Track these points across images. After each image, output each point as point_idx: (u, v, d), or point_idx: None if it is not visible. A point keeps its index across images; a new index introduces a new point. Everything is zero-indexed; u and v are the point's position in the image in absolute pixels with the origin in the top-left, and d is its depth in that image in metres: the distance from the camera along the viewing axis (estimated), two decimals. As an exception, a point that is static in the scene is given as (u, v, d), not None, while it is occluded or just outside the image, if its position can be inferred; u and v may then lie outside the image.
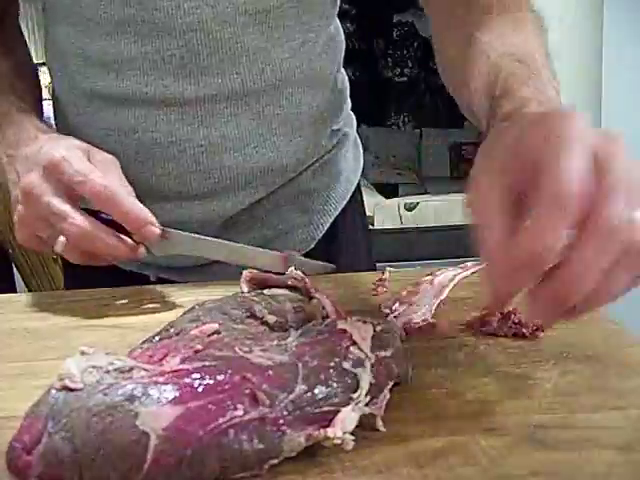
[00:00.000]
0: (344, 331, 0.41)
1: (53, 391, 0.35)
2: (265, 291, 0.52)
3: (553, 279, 0.37)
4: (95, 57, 0.70)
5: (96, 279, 0.73)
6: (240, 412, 0.35)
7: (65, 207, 0.58)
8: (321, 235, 0.81)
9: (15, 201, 0.62)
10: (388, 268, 0.68)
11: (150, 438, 0.33)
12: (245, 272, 0.57)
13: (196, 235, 0.66)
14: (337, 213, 0.83)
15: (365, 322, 0.43)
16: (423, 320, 0.55)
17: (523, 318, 0.53)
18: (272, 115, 0.72)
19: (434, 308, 0.58)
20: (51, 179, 0.59)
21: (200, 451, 0.33)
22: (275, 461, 0.35)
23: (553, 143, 0.39)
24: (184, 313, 0.48)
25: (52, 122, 0.81)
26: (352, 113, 0.87)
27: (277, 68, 0.71)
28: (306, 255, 0.79)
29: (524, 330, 0.52)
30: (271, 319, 0.47)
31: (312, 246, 0.81)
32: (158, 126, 0.70)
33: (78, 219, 0.58)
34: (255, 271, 0.57)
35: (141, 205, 0.59)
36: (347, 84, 0.84)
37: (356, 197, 0.87)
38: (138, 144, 0.71)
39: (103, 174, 0.60)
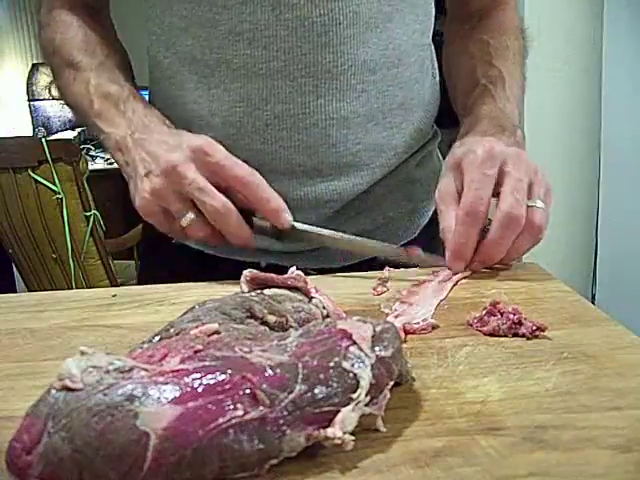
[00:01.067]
0: (344, 331, 0.41)
1: (53, 391, 0.35)
2: (265, 291, 0.52)
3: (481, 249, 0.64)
4: (227, 26, 0.70)
5: (190, 267, 0.77)
6: (240, 412, 0.35)
7: (207, 185, 0.62)
8: (424, 224, 0.85)
9: (147, 176, 0.65)
10: (388, 268, 0.68)
11: (150, 438, 0.33)
12: (245, 272, 0.57)
13: (319, 229, 0.68)
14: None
15: (365, 322, 0.43)
16: (423, 320, 0.55)
17: (522, 317, 0.53)
18: (393, 95, 0.76)
19: (434, 308, 0.58)
20: (197, 160, 0.63)
21: (200, 451, 0.33)
22: (275, 461, 0.35)
23: (472, 162, 0.65)
24: (184, 313, 0.48)
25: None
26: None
27: (397, 46, 0.75)
28: (408, 243, 0.83)
29: (524, 330, 0.52)
30: (271, 319, 0.47)
31: (416, 234, 0.85)
32: (291, 97, 0.71)
33: (220, 197, 0.62)
34: (255, 271, 0.57)
35: (277, 195, 0.64)
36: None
37: None
38: (269, 115, 0.71)
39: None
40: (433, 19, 0.83)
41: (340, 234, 0.68)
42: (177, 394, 0.34)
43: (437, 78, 0.88)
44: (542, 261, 0.71)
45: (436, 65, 0.88)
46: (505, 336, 0.52)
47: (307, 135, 0.72)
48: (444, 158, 0.94)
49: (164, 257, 0.84)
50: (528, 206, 0.63)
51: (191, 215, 0.63)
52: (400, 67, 0.76)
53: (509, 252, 0.64)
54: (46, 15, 0.81)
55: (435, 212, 0.84)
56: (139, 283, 0.87)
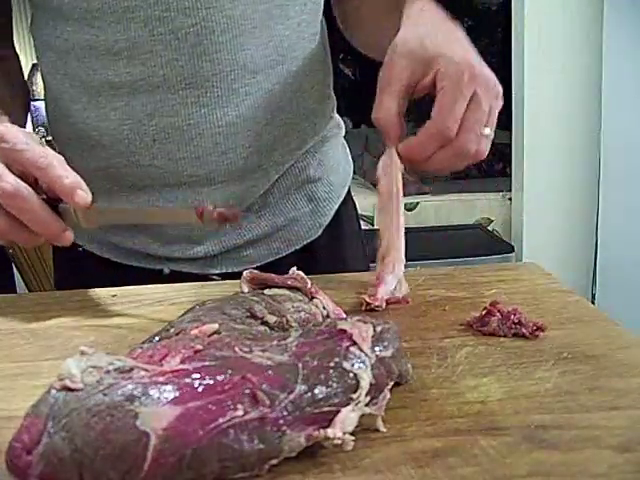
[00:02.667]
0: (344, 331, 0.41)
1: (53, 391, 0.35)
2: (265, 291, 0.52)
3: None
4: (104, 47, 0.69)
5: (98, 276, 0.73)
6: (240, 412, 0.35)
7: (1, 169, 0.56)
8: (326, 223, 0.84)
9: None
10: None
11: (150, 438, 0.33)
12: (245, 272, 0.57)
13: (118, 206, 0.67)
14: (340, 202, 0.86)
15: (365, 322, 0.43)
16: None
17: (522, 317, 0.53)
18: (281, 92, 0.74)
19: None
20: None
21: (200, 451, 0.33)
22: (275, 461, 0.35)
23: (453, 79, 0.57)
24: (184, 313, 0.48)
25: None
26: (337, 115, 0.90)
27: (279, 44, 0.73)
28: (312, 243, 0.82)
29: (524, 330, 0.52)
30: (271, 319, 0.47)
31: (319, 233, 0.84)
32: (175, 109, 0.70)
33: (11, 178, 0.56)
34: (256, 271, 0.57)
35: (75, 174, 0.58)
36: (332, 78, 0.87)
37: (349, 194, 0.91)
38: (156, 130, 0.71)
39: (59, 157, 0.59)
40: (322, 5, 0.80)
41: (136, 207, 0.66)
42: (177, 394, 0.34)
43: (330, 71, 0.85)
44: (542, 261, 0.72)
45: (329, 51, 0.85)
46: (505, 336, 0.52)
47: (195, 146, 0.71)
48: (350, 149, 0.93)
49: (75, 272, 0.83)
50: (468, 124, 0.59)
51: None
52: (285, 63, 0.74)
53: (431, 163, 0.60)
54: None
55: (337, 213, 0.85)
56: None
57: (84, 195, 0.57)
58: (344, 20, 0.86)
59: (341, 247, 0.87)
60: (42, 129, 3.66)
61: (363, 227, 0.94)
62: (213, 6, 0.68)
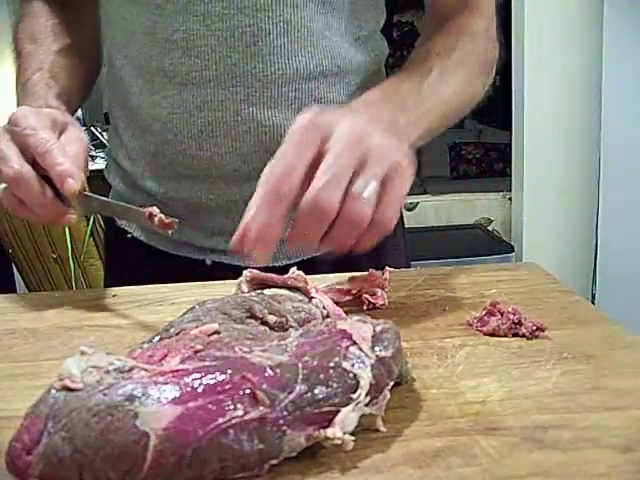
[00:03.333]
0: (344, 331, 0.41)
1: (53, 391, 0.35)
2: (265, 291, 0.52)
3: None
4: (163, 35, 0.71)
5: (144, 262, 0.76)
6: (240, 412, 0.35)
7: (10, 152, 0.61)
8: None
9: None
10: (388, 268, 0.68)
11: (150, 438, 0.33)
12: (245, 272, 0.57)
13: (105, 198, 0.68)
14: None
15: (365, 322, 0.43)
16: None
17: (522, 317, 0.53)
18: (330, 102, 0.75)
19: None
20: (10, 131, 0.62)
21: (200, 451, 0.33)
22: (275, 461, 0.35)
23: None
24: (184, 313, 0.48)
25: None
26: None
27: (336, 55, 0.74)
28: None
29: (524, 330, 0.52)
30: (271, 319, 0.47)
31: None
32: (224, 105, 0.71)
33: (17, 163, 0.60)
34: (256, 271, 0.58)
35: (72, 162, 0.61)
36: None
37: None
38: (204, 122, 0.72)
39: (65, 145, 0.63)
40: (383, 21, 0.81)
41: (116, 202, 0.67)
42: (177, 394, 0.34)
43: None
44: (542, 261, 0.72)
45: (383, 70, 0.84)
46: (505, 336, 0.52)
47: (240, 142, 0.73)
48: None
49: (124, 258, 0.85)
50: (351, 192, 0.49)
51: (2, 185, 0.62)
52: (339, 75, 0.75)
53: (324, 244, 0.51)
54: (22, 6, 0.83)
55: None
56: (105, 285, 0.88)
57: (72, 183, 0.60)
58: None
59: (383, 246, 0.85)
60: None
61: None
62: (272, 9, 0.69)
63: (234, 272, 0.68)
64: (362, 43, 0.77)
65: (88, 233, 2.18)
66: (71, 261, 2.21)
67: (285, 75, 0.71)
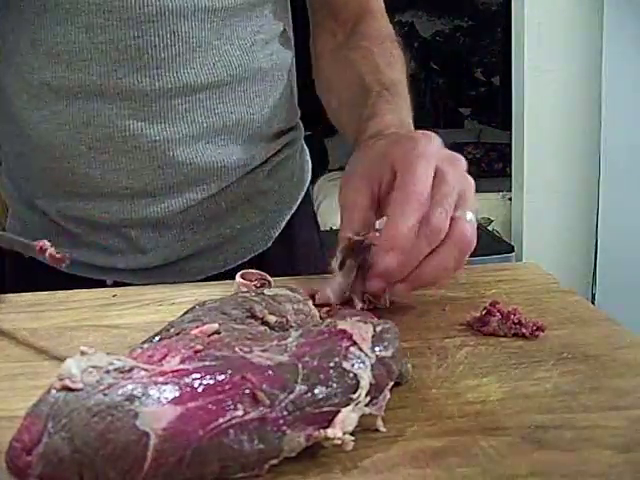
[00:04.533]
0: (344, 331, 0.41)
1: (53, 391, 0.35)
2: (265, 291, 0.52)
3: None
4: (45, 47, 0.67)
5: (43, 283, 0.71)
6: (240, 412, 0.35)
7: None
8: (276, 234, 0.82)
9: None
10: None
11: (150, 438, 0.33)
12: (239, 274, 0.58)
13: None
14: (291, 212, 0.84)
15: (365, 322, 0.43)
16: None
17: (522, 317, 0.53)
18: (225, 113, 0.73)
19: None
20: None
21: (200, 451, 0.33)
22: (275, 461, 0.35)
23: (409, 157, 0.53)
24: (184, 313, 0.48)
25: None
26: (300, 121, 0.88)
27: (227, 64, 0.71)
28: (262, 255, 0.80)
29: (524, 330, 0.52)
30: (271, 319, 0.47)
31: (269, 245, 0.82)
32: (111, 120, 0.68)
33: None
34: (252, 270, 0.58)
35: None
36: (296, 91, 0.86)
37: (307, 199, 0.89)
38: (91, 138, 0.69)
39: None
40: (284, 23, 0.79)
41: (11, 236, 0.63)
42: (177, 394, 0.34)
43: (295, 87, 0.84)
44: (542, 261, 0.71)
45: (294, 70, 0.83)
46: (505, 336, 0.52)
47: (130, 158, 0.70)
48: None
49: (25, 280, 0.80)
50: (456, 216, 0.53)
51: None
52: (233, 84, 0.72)
53: (432, 268, 0.53)
54: None
55: (289, 222, 0.83)
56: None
57: None
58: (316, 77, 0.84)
59: (294, 256, 0.85)
60: None
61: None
62: (157, 20, 0.66)
63: (136, 291, 0.66)
64: (258, 49, 0.74)
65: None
66: (71, 261, 2.21)
67: (174, 88, 0.68)
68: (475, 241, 0.53)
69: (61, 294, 0.67)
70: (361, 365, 0.39)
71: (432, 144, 0.55)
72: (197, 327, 0.43)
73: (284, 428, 0.35)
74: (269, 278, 0.58)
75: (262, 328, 0.46)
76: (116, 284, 0.76)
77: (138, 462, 0.33)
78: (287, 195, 0.84)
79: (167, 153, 0.71)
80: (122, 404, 0.33)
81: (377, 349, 0.41)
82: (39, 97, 0.70)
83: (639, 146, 2.26)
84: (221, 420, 0.34)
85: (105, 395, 0.34)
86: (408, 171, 0.52)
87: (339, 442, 0.35)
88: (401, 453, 0.37)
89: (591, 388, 0.44)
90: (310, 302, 0.52)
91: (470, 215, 0.54)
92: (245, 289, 0.56)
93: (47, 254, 0.53)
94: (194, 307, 0.48)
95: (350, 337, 0.40)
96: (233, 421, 0.34)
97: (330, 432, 0.35)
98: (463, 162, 0.56)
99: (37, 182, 0.76)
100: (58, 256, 0.53)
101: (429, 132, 0.58)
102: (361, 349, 0.40)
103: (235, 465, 0.34)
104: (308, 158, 0.90)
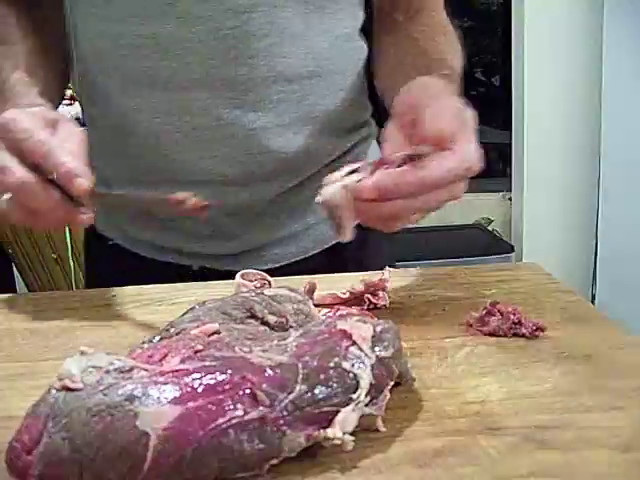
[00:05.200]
0: (344, 331, 0.41)
1: (53, 391, 0.35)
2: (265, 291, 0.52)
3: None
4: (142, 39, 0.69)
5: (127, 269, 0.74)
6: (240, 412, 0.35)
7: (8, 162, 0.57)
8: (357, 221, 0.83)
9: None
10: (388, 268, 0.68)
11: (150, 438, 0.33)
12: (238, 276, 0.58)
13: (117, 192, 0.67)
14: None
15: (365, 322, 0.43)
16: None
17: (522, 317, 0.53)
18: (314, 103, 0.74)
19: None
20: (4, 139, 0.58)
21: (200, 451, 0.33)
22: (275, 461, 0.35)
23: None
24: (184, 313, 0.48)
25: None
26: (372, 118, 0.89)
27: (318, 56, 0.73)
28: (330, 249, 0.81)
29: (524, 330, 0.52)
30: (271, 319, 0.47)
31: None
32: (207, 109, 0.70)
33: (19, 172, 0.56)
34: (251, 271, 0.58)
35: (78, 162, 0.57)
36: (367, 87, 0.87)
37: None
38: (187, 127, 0.71)
39: (62, 142, 0.59)
40: (361, 20, 0.80)
41: (132, 193, 0.64)
42: (177, 394, 0.34)
43: (365, 82, 0.84)
44: (542, 261, 0.71)
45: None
46: (505, 336, 0.52)
47: (225, 146, 0.71)
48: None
49: (105, 265, 0.84)
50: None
51: (6, 195, 0.58)
52: (322, 75, 0.74)
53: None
54: None
55: None
56: (87, 288, 0.86)
57: (81, 182, 0.56)
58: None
59: (366, 251, 0.84)
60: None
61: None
62: (254, 11, 0.68)
63: (222, 278, 0.67)
64: (342, 43, 0.76)
65: (88, 233, 2.18)
66: (71, 261, 2.21)
67: (268, 78, 0.70)
68: (480, 162, 0.54)
69: (61, 294, 0.67)
70: (361, 365, 0.39)
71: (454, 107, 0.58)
72: (197, 327, 0.43)
73: (284, 428, 0.35)
74: (269, 278, 0.59)
75: (262, 328, 0.46)
76: (201, 270, 0.77)
77: (138, 462, 0.33)
78: None
79: (261, 141, 0.72)
80: (122, 404, 0.33)
81: (377, 349, 0.41)
82: (135, 85, 0.71)
83: (639, 146, 2.26)
84: (221, 420, 0.34)
85: (105, 395, 0.34)
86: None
87: (339, 442, 0.35)
88: (401, 453, 0.37)
89: (591, 388, 0.44)
90: (310, 302, 0.52)
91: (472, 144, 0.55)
92: (245, 289, 0.56)
93: (189, 204, 0.54)
94: (194, 307, 0.48)
95: (350, 337, 0.40)
96: (233, 421, 0.34)
97: (330, 432, 0.35)
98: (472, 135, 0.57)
99: (128, 168, 0.77)
100: (201, 205, 0.54)
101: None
102: (361, 349, 0.40)
103: (235, 465, 0.34)
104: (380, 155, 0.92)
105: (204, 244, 0.78)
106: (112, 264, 0.82)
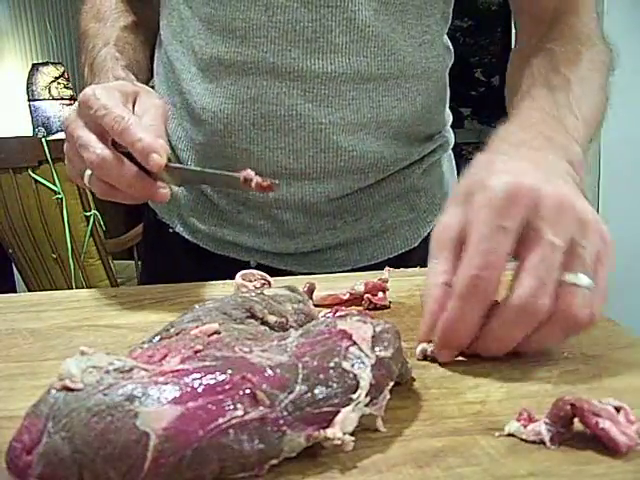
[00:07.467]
0: (344, 331, 0.41)
1: (53, 391, 0.35)
2: (265, 291, 0.52)
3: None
4: (220, 23, 0.69)
5: (184, 259, 0.74)
6: (240, 412, 0.35)
7: (89, 138, 0.58)
8: (425, 234, 0.82)
9: None
10: (388, 268, 0.68)
11: (150, 438, 0.33)
12: (239, 274, 0.58)
13: (193, 167, 0.67)
14: (439, 215, 0.84)
15: (365, 322, 0.43)
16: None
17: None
18: (389, 106, 0.74)
19: None
20: (83, 114, 0.59)
21: (200, 451, 0.33)
22: (275, 461, 0.35)
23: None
24: (184, 313, 0.48)
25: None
26: (450, 128, 0.88)
27: (400, 59, 0.73)
28: (408, 252, 0.80)
29: (524, 330, 0.52)
30: (271, 319, 0.47)
31: (415, 244, 0.82)
32: (280, 98, 0.70)
33: (98, 148, 0.57)
34: (252, 271, 0.58)
35: (154, 137, 0.57)
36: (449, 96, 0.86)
37: None
38: (256, 114, 0.71)
39: (141, 115, 0.59)
40: (447, 26, 0.80)
41: (213, 170, 0.63)
42: (177, 394, 0.34)
43: (447, 90, 0.84)
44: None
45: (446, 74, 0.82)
46: (505, 336, 0.52)
47: (294, 138, 0.71)
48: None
49: (163, 253, 0.84)
50: (564, 282, 0.44)
51: (88, 171, 0.60)
52: (400, 79, 0.73)
53: (524, 345, 0.46)
54: None
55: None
56: (140, 280, 0.87)
57: (156, 158, 0.57)
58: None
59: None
60: (42, 129, 3.66)
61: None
62: (336, 5, 0.68)
63: (278, 275, 0.66)
64: (427, 48, 0.75)
65: (88, 233, 2.18)
66: (71, 261, 2.21)
67: (345, 74, 0.70)
68: (591, 314, 0.43)
69: (61, 294, 0.67)
70: (361, 365, 0.39)
71: (527, 177, 0.45)
72: (197, 327, 0.43)
73: (284, 428, 0.35)
74: (269, 278, 0.59)
75: (262, 328, 0.46)
76: (259, 266, 0.77)
77: (138, 462, 0.33)
78: (439, 196, 0.84)
79: (330, 137, 0.72)
80: (122, 404, 0.33)
81: (377, 349, 0.41)
82: (209, 71, 0.72)
83: (639, 146, 2.26)
84: (221, 420, 0.34)
85: (105, 395, 0.34)
86: (477, 227, 0.44)
87: (339, 442, 0.35)
88: (401, 453, 0.37)
89: (591, 388, 0.44)
90: (310, 302, 0.52)
91: (584, 279, 0.43)
92: (245, 289, 0.56)
93: (253, 183, 0.54)
94: (194, 307, 0.48)
95: (350, 337, 0.40)
96: (233, 421, 0.34)
97: (330, 432, 0.35)
98: (575, 204, 0.46)
99: (195, 154, 0.77)
100: (265, 184, 0.54)
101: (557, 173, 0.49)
102: (361, 349, 0.40)
103: (235, 465, 0.34)
104: (454, 166, 0.90)
105: (264, 240, 0.77)
106: (169, 253, 0.83)
